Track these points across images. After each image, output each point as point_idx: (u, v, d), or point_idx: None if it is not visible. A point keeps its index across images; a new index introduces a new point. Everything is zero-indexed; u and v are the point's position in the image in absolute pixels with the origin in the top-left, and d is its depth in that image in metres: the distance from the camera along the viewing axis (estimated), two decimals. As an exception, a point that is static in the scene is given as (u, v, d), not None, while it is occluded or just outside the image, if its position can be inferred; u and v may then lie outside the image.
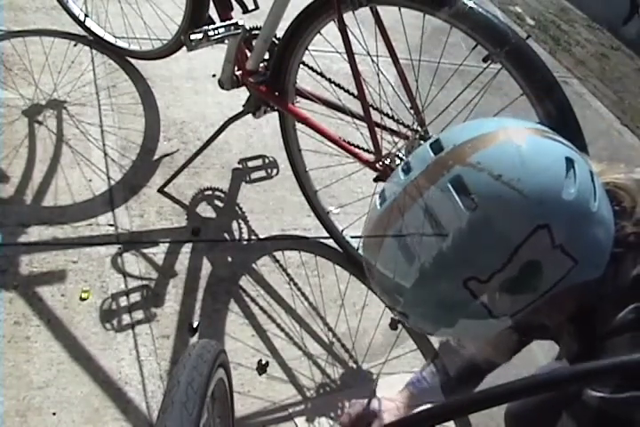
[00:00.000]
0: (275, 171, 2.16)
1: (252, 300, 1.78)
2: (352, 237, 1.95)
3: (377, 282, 0.92)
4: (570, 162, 0.78)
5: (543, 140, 0.80)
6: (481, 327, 0.83)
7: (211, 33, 1.72)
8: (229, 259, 1.87)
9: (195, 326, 1.67)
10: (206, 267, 1.82)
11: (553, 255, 0.76)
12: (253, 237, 1.95)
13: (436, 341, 1.81)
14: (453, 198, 0.76)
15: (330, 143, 1.70)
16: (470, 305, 0.79)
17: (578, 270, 0.78)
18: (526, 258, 0.75)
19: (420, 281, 0.82)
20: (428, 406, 0.59)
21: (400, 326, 1.83)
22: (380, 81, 1.60)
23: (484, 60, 1.34)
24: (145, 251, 1.80)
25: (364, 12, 1.52)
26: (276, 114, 1.89)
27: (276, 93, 1.78)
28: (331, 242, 1.98)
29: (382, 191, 0.87)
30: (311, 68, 1.81)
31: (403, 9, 1.45)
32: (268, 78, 1.78)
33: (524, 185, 0.75)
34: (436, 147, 0.81)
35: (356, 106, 1.69)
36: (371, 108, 1.62)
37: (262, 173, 2.15)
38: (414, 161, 0.83)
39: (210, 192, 2.02)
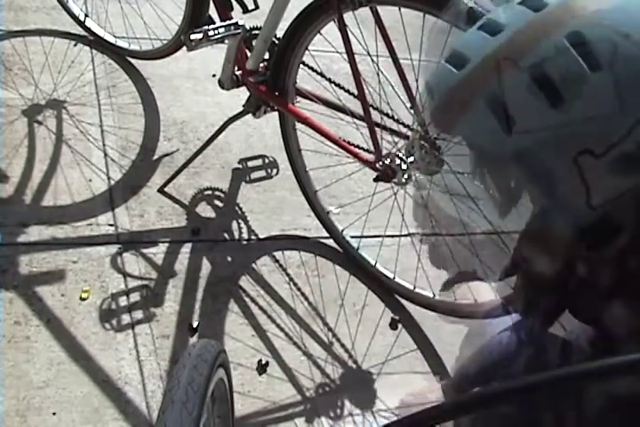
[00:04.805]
0: (275, 171, 2.16)
1: (252, 300, 1.78)
2: (352, 237, 1.95)
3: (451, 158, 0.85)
4: None
5: None
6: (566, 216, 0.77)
7: (211, 33, 1.72)
8: (229, 259, 1.87)
9: (195, 326, 1.67)
10: (206, 267, 1.82)
11: None
12: (253, 237, 1.95)
13: (436, 340, 1.81)
14: (572, 56, 0.68)
15: (330, 143, 1.70)
16: (572, 187, 0.73)
17: None
18: None
19: (520, 154, 0.74)
20: (429, 406, 0.58)
21: (400, 325, 1.83)
22: (379, 81, 1.60)
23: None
24: (145, 251, 1.80)
25: (364, 11, 1.52)
26: (275, 114, 1.89)
27: (276, 93, 1.78)
28: (331, 242, 1.98)
29: (454, 54, 0.77)
30: (311, 68, 1.81)
31: (403, 9, 1.45)
32: (268, 78, 1.77)
33: None
34: (535, 4, 0.73)
35: (356, 106, 1.69)
36: (371, 108, 1.62)
37: (262, 173, 2.15)
38: (504, 20, 0.74)
39: (210, 192, 2.02)
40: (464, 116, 0.77)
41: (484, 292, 1.04)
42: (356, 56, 1.55)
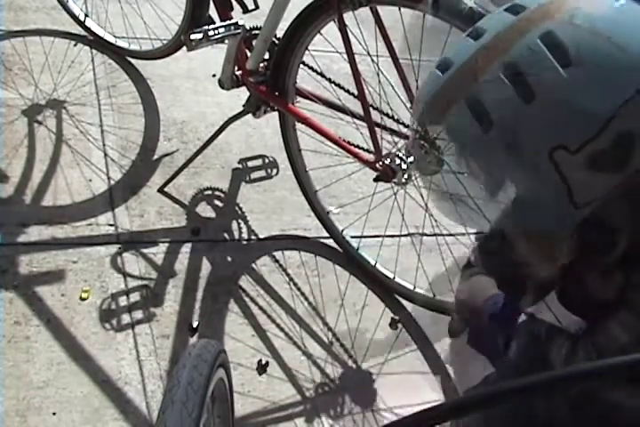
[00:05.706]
0: (275, 171, 2.16)
1: (252, 300, 1.78)
2: (352, 237, 1.95)
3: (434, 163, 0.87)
4: None
5: None
6: (551, 216, 0.77)
7: (211, 33, 1.72)
8: (229, 259, 1.87)
9: (195, 326, 1.67)
10: (206, 267, 1.82)
11: None
12: (253, 237, 1.95)
13: (437, 342, 1.81)
14: (544, 54, 0.71)
15: (330, 143, 1.70)
16: (552, 184, 0.73)
17: None
18: (623, 126, 0.70)
19: (497, 151, 0.76)
20: (429, 405, 0.58)
21: (400, 325, 1.83)
22: (380, 81, 1.60)
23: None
24: (145, 251, 1.80)
25: (364, 12, 1.52)
26: (275, 114, 1.89)
27: (276, 93, 1.78)
28: (331, 242, 1.98)
29: (442, 60, 0.80)
30: (311, 68, 1.81)
31: (403, 9, 1.45)
32: (268, 78, 1.77)
33: (628, 42, 0.70)
34: (515, 9, 0.75)
35: (355, 106, 1.69)
36: (371, 108, 1.62)
37: (262, 173, 2.15)
38: (487, 26, 0.77)
39: (210, 192, 2.02)
40: (447, 117, 0.79)
41: (487, 289, 1.04)
42: (356, 56, 1.55)
